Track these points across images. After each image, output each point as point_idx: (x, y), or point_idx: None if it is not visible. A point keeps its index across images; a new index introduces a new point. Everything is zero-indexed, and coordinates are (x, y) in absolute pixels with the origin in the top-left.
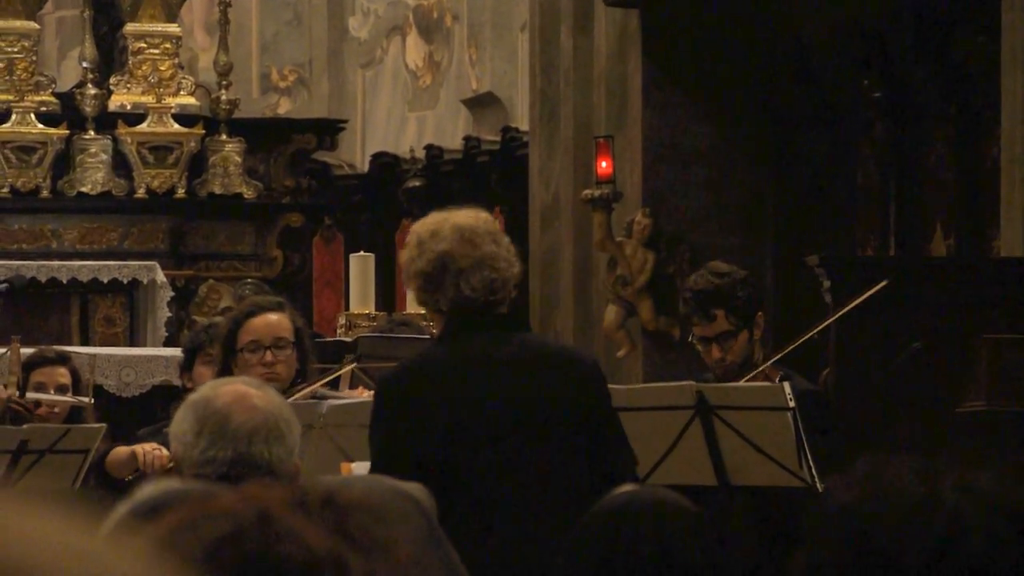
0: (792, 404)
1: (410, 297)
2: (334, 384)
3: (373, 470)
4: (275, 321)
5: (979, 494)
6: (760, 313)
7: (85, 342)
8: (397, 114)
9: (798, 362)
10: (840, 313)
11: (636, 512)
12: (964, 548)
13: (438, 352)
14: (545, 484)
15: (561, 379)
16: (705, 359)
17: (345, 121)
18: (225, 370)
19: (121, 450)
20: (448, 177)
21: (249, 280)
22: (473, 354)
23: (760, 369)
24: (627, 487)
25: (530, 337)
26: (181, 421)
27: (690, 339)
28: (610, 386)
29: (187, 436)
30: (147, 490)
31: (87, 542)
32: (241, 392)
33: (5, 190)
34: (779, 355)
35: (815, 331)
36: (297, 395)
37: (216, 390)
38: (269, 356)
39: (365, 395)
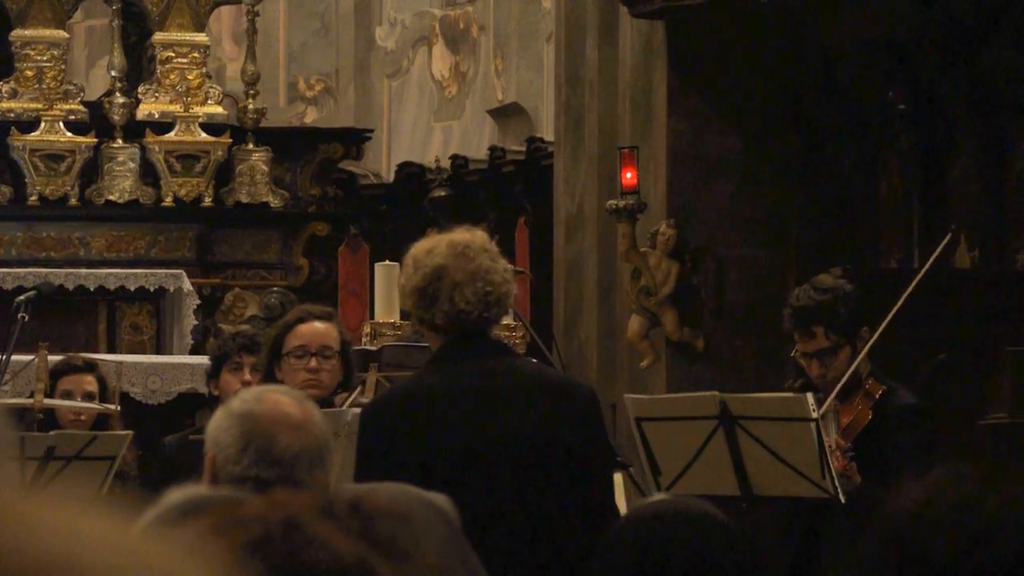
0: (815, 415)
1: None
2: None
3: None
4: (323, 330)
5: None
6: (866, 328)
7: (112, 350)
8: (423, 124)
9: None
10: (921, 274)
11: (667, 521)
12: (996, 548)
13: (426, 380)
14: (528, 521)
15: (555, 411)
16: (809, 374)
17: (371, 131)
18: (268, 373)
19: None
20: (473, 187)
21: (275, 289)
22: (463, 383)
23: (843, 380)
24: (660, 496)
25: (524, 365)
26: (224, 431)
27: (792, 354)
28: (635, 396)
29: (229, 449)
30: (175, 496)
31: (135, 539)
32: (286, 410)
33: (34, 198)
34: (863, 352)
35: (901, 300)
36: (343, 406)
37: (261, 403)
38: (314, 363)
39: None
